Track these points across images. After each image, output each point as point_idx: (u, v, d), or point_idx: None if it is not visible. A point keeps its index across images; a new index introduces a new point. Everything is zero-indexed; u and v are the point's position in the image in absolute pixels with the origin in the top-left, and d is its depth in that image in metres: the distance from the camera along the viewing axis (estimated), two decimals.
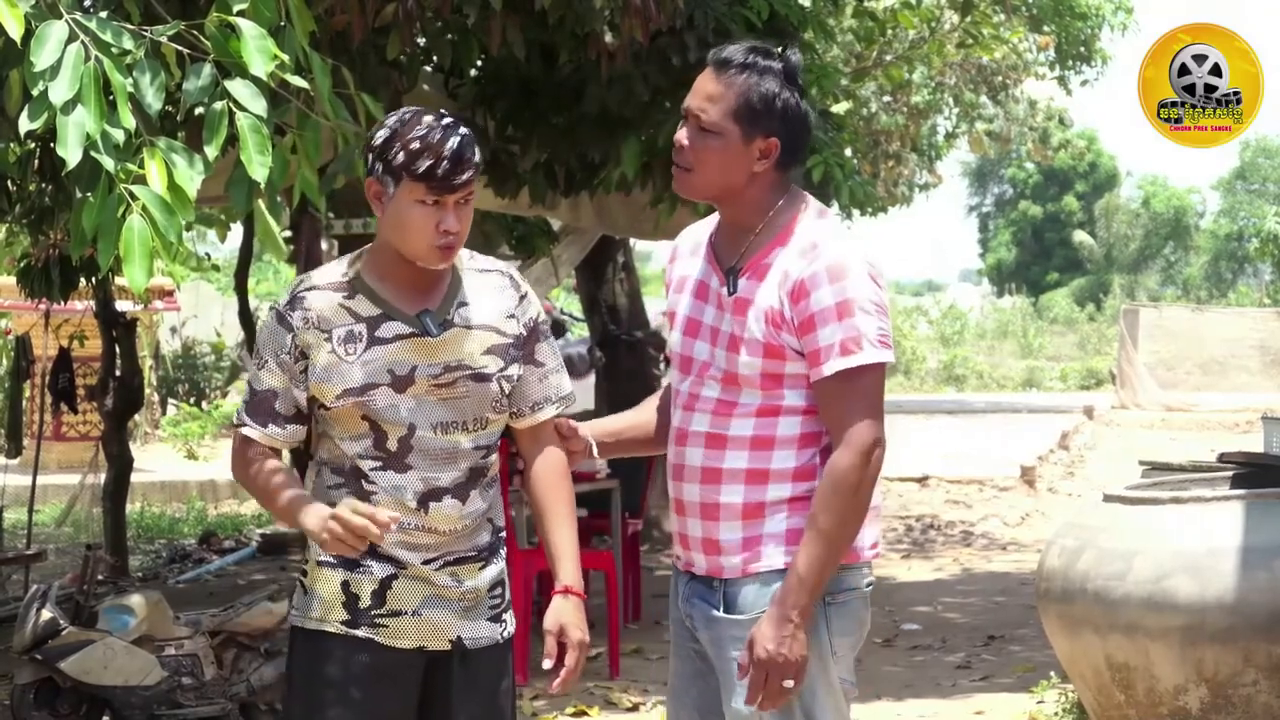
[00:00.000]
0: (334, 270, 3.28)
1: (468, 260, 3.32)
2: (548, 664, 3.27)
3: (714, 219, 3.39)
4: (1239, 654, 4.83)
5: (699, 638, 3.31)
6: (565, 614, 3.27)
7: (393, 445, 3.20)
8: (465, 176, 3.15)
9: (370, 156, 3.20)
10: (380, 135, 3.19)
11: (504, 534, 3.39)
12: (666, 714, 3.49)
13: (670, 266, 3.43)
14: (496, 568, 3.34)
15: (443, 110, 3.27)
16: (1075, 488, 15.89)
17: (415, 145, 3.13)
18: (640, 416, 3.50)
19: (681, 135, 3.22)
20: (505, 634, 3.35)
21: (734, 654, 3.20)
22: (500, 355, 3.26)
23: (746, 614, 3.20)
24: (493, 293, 3.30)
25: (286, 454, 3.36)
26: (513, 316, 3.30)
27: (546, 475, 3.37)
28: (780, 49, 3.26)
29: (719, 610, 3.24)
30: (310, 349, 3.20)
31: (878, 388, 3.17)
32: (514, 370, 3.28)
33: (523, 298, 3.33)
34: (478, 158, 3.19)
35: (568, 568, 3.30)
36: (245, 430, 3.26)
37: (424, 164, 3.12)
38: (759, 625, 3.14)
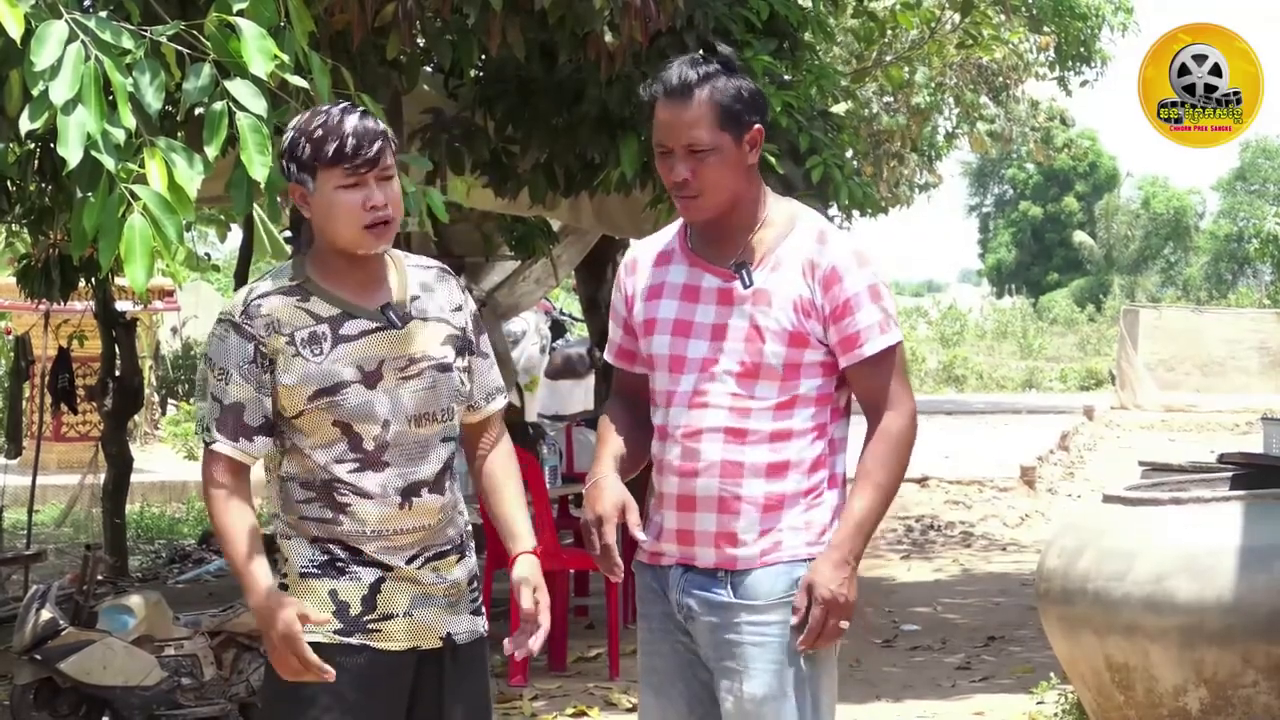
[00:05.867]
0: (279, 277, 3.26)
1: (405, 258, 3.34)
2: (527, 605, 3.27)
3: (667, 231, 3.46)
4: (1238, 655, 4.83)
5: (693, 629, 3.32)
6: (535, 573, 3.31)
7: (369, 444, 3.19)
8: (375, 148, 3.15)
9: (284, 163, 3.20)
10: (286, 139, 3.20)
11: (469, 526, 3.42)
12: (644, 713, 3.46)
13: (629, 279, 3.46)
14: (470, 560, 3.37)
15: (341, 101, 3.28)
16: (1075, 488, 15.89)
17: (318, 134, 3.15)
18: (621, 449, 3.44)
19: (679, 171, 3.27)
20: (484, 627, 3.38)
21: (749, 639, 3.24)
22: (454, 346, 3.31)
23: (762, 600, 3.25)
24: (437, 286, 3.34)
25: (259, 468, 3.33)
26: (459, 309, 3.35)
27: (501, 459, 3.42)
28: (707, 49, 3.34)
29: (728, 595, 3.27)
30: (278, 355, 3.18)
31: (905, 362, 3.35)
32: (464, 361, 3.32)
33: (464, 290, 3.39)
34: (380, 128, 3.19)
35: (520, 532, 3.34)
36: (217, 447, 3.21)
37: (331, 146, 3.13)
38: (817, 570, 3.22)
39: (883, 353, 3.27)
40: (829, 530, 3.28)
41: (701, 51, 3.37)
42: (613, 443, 3.41)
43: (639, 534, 3.26)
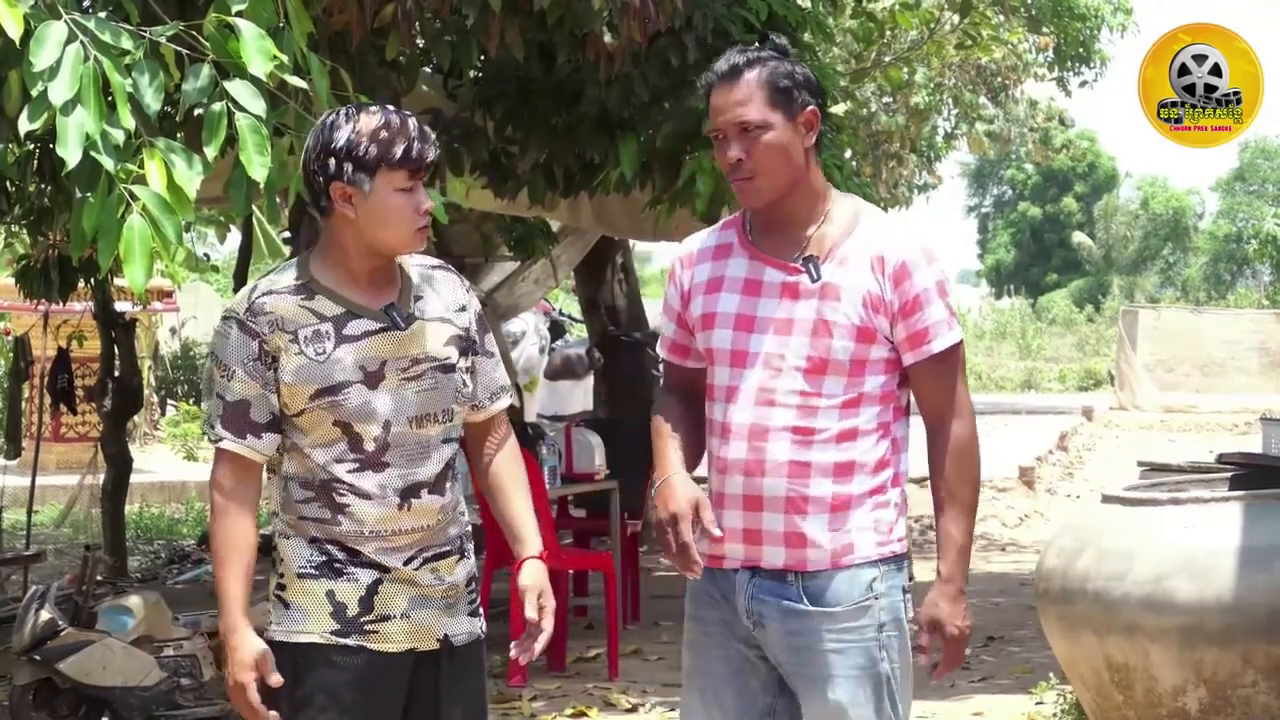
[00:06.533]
0: (284, 276, 3.24)
1: (407, 257, 3.32)
2: (531, 615, 3.27)
3: (719, 225, 3.42)
4: (1238, 655, 4.83)
5: (762, 635, 3.27)
6: (540, 579, 3.31)
7: (369, 445, 3.19)
8: (434, 152, 3.18)
9: (333, 161, 3.14)
10: (340, 138, 3.14)
11: (469, 527, 3.41)
12: (687, 716, 3.42)
13: (684, 272, 3.39)
14: (469, 561, 3.35)
15: (364, 100, 3.28)
16: (1074, 489, 15.90)
17: (384, 135, 3.13)
18: (683, 444, 3.39)
19: (732, 153, 3.22)
20: (482, 628, 3.37)
21: (829, 647, 3.22)
22: (457, 346, 3.29)
23: (840, 606, 3.22)
24: (442, 287, 3.32)
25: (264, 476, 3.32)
26: (464, 309, 3.33)
27: (507, 460, 3.41)
28: (761, 39, 3.32)
29: (803, 604, 3.23)
30: (280, 353, 3.17)
31: (964, 362, 3.35)
32: (467, 362, 3.31)
33: (468, 290, 3.38)
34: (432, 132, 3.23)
35: (528, 536, 3.35)
36: (225, 444, 3.20)
37: (398, 149, 3.12)
38: (938, 606, 3.25)
39: (948, 350, 3.25)
40: (895, 527, 3.27)
41: (756, 43, 3.32)
42: (673, 439, 3.35)
43: (715, 531, 3.21)
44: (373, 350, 3.20)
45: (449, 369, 3.26)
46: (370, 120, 3.15)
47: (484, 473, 3.43)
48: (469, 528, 3.38)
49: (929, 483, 3.32)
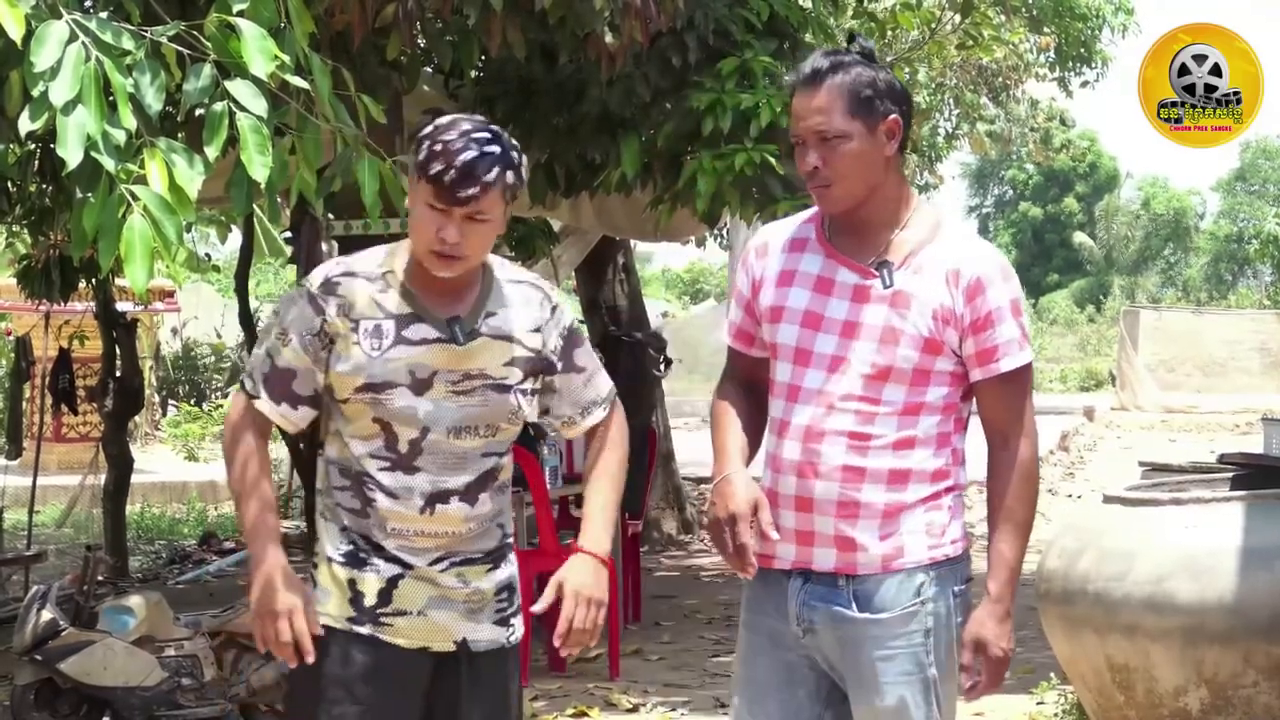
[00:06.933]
0: (370, 260, 3.24)
1: (499, 270, 3.29)
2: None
3: (799, 218, 3.38)
4: (1239, 655, 4.83)
5: (812, 641, 3.26)
6: (570, 569, 3.27)
7: (403, 447, 3.19)
8: (469, 192, 3.08)
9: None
10: (425, 129, 3.16)
11: (512, 539, 3.38)
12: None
13: (757, 262, 3.35)
14: (506, 571, 3.32)
15: (489, 125, 3.19)
16: (1075, 489, 15.89)
17: (436, 147, 3.10)
18: (743, 438, 3.36)
19: (810, 160, 3.19)
20: (512, 638, 3.33)
21: (876, 654, 3.20)
22: (521, 368, 3.25)
23: (888, 612, 3.20)
24: (521, 305, 3.28)
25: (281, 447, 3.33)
26: (538, 330, 3.28)
27: (600, 460, 3.39)
28: (848, 39, 3.29)
29: (852, 610, 3.21)
30: (337, 337, 3.18)
31: (1032, 383, 3.32)
32: (534, 383, 3.28)
33: (554, 309, 3.32)
34: (493, 176, 3.10)
35: (586, 530, 3.33)
36: (259, 404, 3.22)
37: (434, 168, 3.09)
38: (984, 626, 3.19)
39: (1017, 370, 3.22)
40: (949, 530, 3.23)
41: (845, 43, 3.27)
42: (734, 433, 3.32)
43: (773, 534, 3.18)
44: (427, 359, 3.18)
45: (504, 389, 3.23)
46: (446, 131, 3.12)
47: (585, 468, 3.45)
48: (510, 539, 3.36)
49: (985, 500, 3.29)
